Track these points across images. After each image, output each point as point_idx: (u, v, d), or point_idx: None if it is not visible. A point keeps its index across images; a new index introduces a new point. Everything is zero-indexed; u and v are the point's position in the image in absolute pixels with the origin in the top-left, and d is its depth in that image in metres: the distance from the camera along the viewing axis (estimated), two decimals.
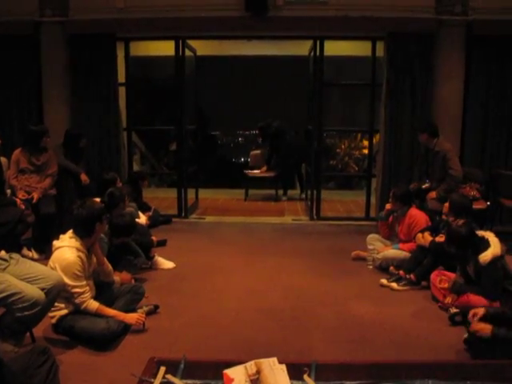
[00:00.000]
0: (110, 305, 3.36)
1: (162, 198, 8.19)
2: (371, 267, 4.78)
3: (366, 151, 22.62)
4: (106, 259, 3.51)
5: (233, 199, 8.38)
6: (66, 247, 3.19)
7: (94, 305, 3.24)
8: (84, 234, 3.23)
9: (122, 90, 6.54)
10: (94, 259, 3.44)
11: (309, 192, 7.20)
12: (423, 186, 5.45)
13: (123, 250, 4.21)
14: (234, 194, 8.91)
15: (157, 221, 6.22)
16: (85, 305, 3.21)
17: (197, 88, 7.36)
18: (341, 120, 12.26)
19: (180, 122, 6.60)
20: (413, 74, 6.06)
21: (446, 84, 6.16)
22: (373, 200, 6.70)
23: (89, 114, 6.34)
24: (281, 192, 8.31)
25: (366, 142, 22.47)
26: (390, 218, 4.91)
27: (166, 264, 4.74)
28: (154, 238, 4.88)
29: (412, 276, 4.25)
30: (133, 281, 3.99)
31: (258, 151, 8.94)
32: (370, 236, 4.99)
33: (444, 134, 5.53)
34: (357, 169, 22.22)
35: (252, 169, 8.51)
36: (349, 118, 12.16)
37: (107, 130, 6.40)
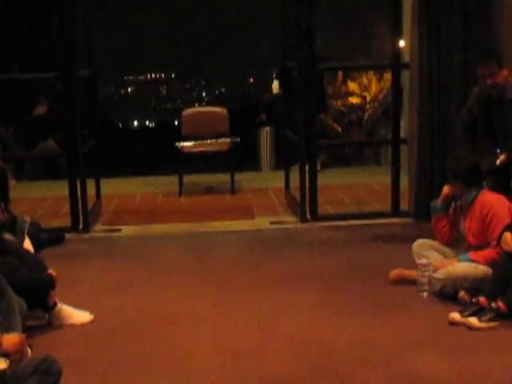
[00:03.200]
0: None
1: (31, 199, 8.03)
2: (426, 294, 4.84)
3: (354, 100, 23.28)
4: None
5: (157, 194, 8.38)
6: None
7: None
8: None
9: None
10: None
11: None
12: (497, 162, 5.52)
13: None
14: (151, 184, 8.95)
15: (39, 240, 6.01)
16: None
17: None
18: (339, 49, 12.56)
19: (68, 63, 6.48)
20: None
21: None
22: (403, 182, 6.86)
23: None
24: (242, 176, 8.43)
25: (352, 86, 23.15)
26: (451, 210, 4.98)
27: (75, 316, 4.63)
28: (52, 271, 4.71)
29: (500, 304, 4.32)
30: (28, 349, 3.83)
31: (196, 109, 8.95)
32: (419, 243, 5.05)
33: None
34: (340, 130, 22.75)
35: (187, 139, 8.47)
36: (351, 45, 12.50)
37: None
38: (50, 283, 4.58)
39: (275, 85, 11.38)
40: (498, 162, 5.51)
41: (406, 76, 6.96)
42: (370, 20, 13.89)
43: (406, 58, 6.73)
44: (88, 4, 7.26)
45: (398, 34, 6.70)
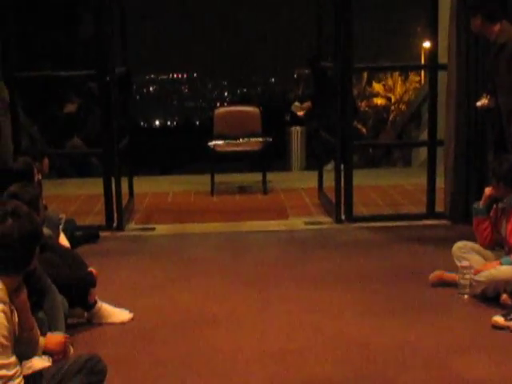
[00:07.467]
0: None
1: (62, 196, 8.05)
2: (467, 296, 4.81)
3: (379, 101, 23.22)
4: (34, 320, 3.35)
5: (188, 193, 8.36)
6: None
7: None
8: (14, 267, 3.05)
9: None
10: (16, 317, 3.25)
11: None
12: (478, 104, 5.70)
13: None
14: (182, 182, 8.94)
15: (75, 237, 6.08)
16: None
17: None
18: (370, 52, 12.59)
19: (103, 62, 6.52)
20: None
21: None
22: (438, 184, 6.80)
23: None
24: (272, 176, 8.39)
25: (377, 87, 23.13)
26: (493, 212, 4.93)
27: (115, 315, 4.62)
28: (92, 269, 4.70)
29: None
30: (71, 348, 3.83)
31: (228, 108, 8.89)
32: (460, 245, 5.00)
33: None
34: (365, 131, 22.71)
35: (218, 138, 8.44)
36: (382, 47, 12.48)
37: None
38: (90, 281, 4.56)
39: (296, 106, 10.81)
40: (478, 103, 5.72)
41: (439, 76, 6.91)
42: (396, 20, 13.84)
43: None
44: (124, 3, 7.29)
45: (435, 34, 6.66)
